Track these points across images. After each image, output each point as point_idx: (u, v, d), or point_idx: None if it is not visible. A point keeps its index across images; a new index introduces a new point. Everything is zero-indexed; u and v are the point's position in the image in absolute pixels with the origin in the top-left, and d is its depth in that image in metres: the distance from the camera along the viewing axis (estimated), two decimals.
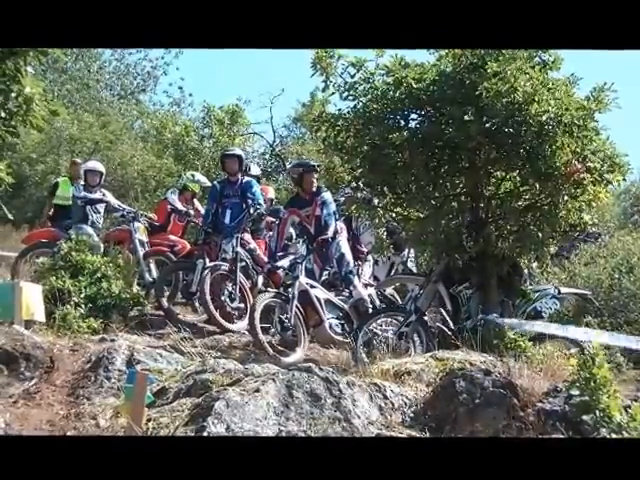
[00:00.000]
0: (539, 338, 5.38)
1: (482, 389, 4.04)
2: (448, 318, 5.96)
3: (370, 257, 8.01)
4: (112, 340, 5.28)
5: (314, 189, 6.92)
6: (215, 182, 7.97)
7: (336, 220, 6.87)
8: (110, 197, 8.28)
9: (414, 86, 5.74)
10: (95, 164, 8.59)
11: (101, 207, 8.09)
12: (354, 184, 6.30)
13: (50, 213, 8.97)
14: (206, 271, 6.65)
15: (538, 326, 5.31)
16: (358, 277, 6.94)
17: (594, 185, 5.58)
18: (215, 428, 3.52)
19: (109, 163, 11.83)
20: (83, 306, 6.00)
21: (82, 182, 8.16)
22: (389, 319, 6.15)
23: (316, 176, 6.98)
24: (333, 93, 6.09)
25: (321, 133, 6.25)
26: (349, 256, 6.73)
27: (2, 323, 4.88)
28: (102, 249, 7.35)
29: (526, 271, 6.24)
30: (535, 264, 6.44)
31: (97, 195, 8.05)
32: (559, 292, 6.00)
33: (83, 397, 4.36)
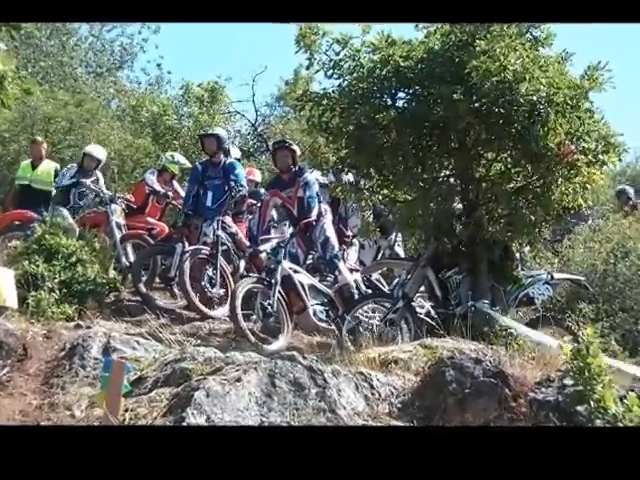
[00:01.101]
0: (531, 325, 5.30)
1: (472, 378, 3.98)
2: (430, 307, 5.90)
3: (356, 241, 7.91)
4: (88, 327, 5.22)
5: (285, 166, 6.81)
6: (197, 163, 7.85)
7: (320, 202, 6.75)
8: (101, 180, 8.25)
9: (401, 64, 5.63)
10: (92, 149, 8.55)
11: (91, 193, 7.97)
12: (339, 165, 6.18)
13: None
14: (186, 255, 6.57)
15: (525, 331, 5.15)
16: (343, 261, 6.82)
17: (588, 166, 5.48)
18: (195, 419, 3.46)
19: (85, 142, 11.60)
20: (57, 291, 5.89)
21: (76, 165, 8.21)
22: (375, 305, 6.07)
23: (289, 154, 6.82)
24: (318, 71, 5.96)
25: (305, 112, 6.12)
26: (334, 240, 6.63)
27: None
28: (77, 232, 7.21)
29: (518, 256, 6.18)
30: (527, 249, 6.38)
31: (89, 180, 7.93)
32: (552, 278, 5.89)
33: (57, 386, 4.29)
